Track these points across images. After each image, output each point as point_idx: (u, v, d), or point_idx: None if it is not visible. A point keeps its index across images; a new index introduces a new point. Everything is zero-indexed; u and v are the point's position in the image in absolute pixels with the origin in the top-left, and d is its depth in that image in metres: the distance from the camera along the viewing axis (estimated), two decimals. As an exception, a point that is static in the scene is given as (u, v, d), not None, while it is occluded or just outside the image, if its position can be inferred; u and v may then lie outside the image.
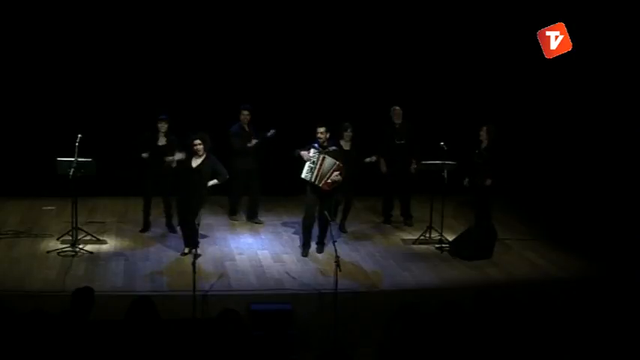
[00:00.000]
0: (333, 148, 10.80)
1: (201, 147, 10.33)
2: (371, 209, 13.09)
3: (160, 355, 6.07)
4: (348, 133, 11.53)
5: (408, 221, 12.49)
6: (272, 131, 11.92)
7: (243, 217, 12.51)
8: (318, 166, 10.62)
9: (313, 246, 11.05)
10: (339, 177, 10.63)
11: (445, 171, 11.29)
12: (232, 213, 12.52)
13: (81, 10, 12.82)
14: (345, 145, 11.55)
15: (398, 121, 12.21)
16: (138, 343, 6.09)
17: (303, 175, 10.68)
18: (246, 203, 12.50)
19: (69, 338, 6.16)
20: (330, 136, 10.81)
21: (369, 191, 12.73)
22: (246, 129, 12.04)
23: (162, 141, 11.33)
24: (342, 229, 11.95)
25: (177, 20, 13.16)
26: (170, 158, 10.84)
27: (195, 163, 10.41)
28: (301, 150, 10.73)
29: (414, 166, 12.08)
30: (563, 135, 13.60)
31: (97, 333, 6.28)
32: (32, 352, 5.97)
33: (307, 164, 10.65)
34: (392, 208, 12.64)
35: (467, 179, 11.60)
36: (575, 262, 10.99)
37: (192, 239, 10.28)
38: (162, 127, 11.29)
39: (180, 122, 11.74)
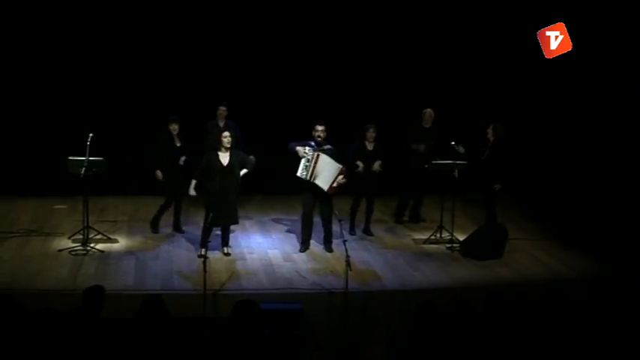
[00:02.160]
0: (328, 146, 10.77)
1: (229, 140, 10.32)
2: (381, 208, 13.07)
3: (171, 354, 6.09)
4: (370, 134, 11.50)
5: (414, 219, 12.50)
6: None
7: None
8: (312, 164, 10.62)
9: (319, 246, 11.08)
10: (343, 180, 10.66)
11: (456, 171, 11.28)
12: None
13: (91, 11, 12.87)
14: (369, 146, 11.56)
15: (427, 125, 12.18)
16: (148, 342, 6.10)
17: (298, 174, 10.70)
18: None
19: (80, 337, 6.18)
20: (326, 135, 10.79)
21: (380, 191, 12.73)
22: (220, 125, 12.03)
23: (177, 142, 11.34)
24: (367, 232, 11.86)
25: (184, 20, 13.19)
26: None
27: (225, 160, 10.38)
28: (297, 144, 10.73)
29: (425, 165, 12.07)
30: (573, 134, 13.55)
31: (108, 331, 6.30)
32: (44, 350, 6.00)
33: (302, 162, 10.67)
34: (405, 209, 12.63)
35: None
36: (585, 262, 10.96)
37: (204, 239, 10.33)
38: (175, 128, 11.30)
39: (190, 122, 11.78)
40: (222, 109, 12.14)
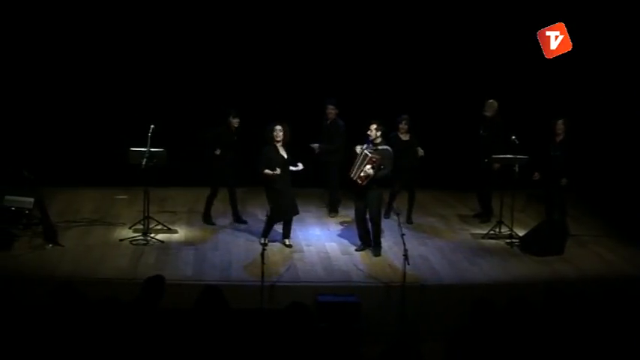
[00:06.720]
0: (383, 147, 10.46)
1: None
2: (438, 201, 12.98)
3: (228, 344, 6.14)
4: (403, 126, 11.65)
5: (483, 218, 12.27)
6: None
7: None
8: (358, 162, 10.50)
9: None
10: (370, 170, 10.28)
11: (516, 165, 11.15)
12: (332, 210, 12.50)
13: (152, 4, 13.02)
14: (404, 136, 11.63)
15: (487, 113, 12.03)
16: (207, 333, 6.16)
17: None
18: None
19: (140, 326, 6.27)
20: (384, 131, 10.60)
21: (433, 183, 12.68)
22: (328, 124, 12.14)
23: (235, 136, 11.41)
24: (408, 220, 11.84)
25: (247, 14, 13.25)
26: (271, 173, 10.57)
27: (285, 153, 10.54)
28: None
29: (485, 159, 11.91)
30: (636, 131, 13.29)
31: (166, 321, 6.37)
32: (105, 337, 6.09)
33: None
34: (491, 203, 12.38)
35: (536, 173, 11.44)
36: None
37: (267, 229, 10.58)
38: (236, 122, 11.37)
39: (249, 116, 11.85)
40: (331, 108, 12.11)
